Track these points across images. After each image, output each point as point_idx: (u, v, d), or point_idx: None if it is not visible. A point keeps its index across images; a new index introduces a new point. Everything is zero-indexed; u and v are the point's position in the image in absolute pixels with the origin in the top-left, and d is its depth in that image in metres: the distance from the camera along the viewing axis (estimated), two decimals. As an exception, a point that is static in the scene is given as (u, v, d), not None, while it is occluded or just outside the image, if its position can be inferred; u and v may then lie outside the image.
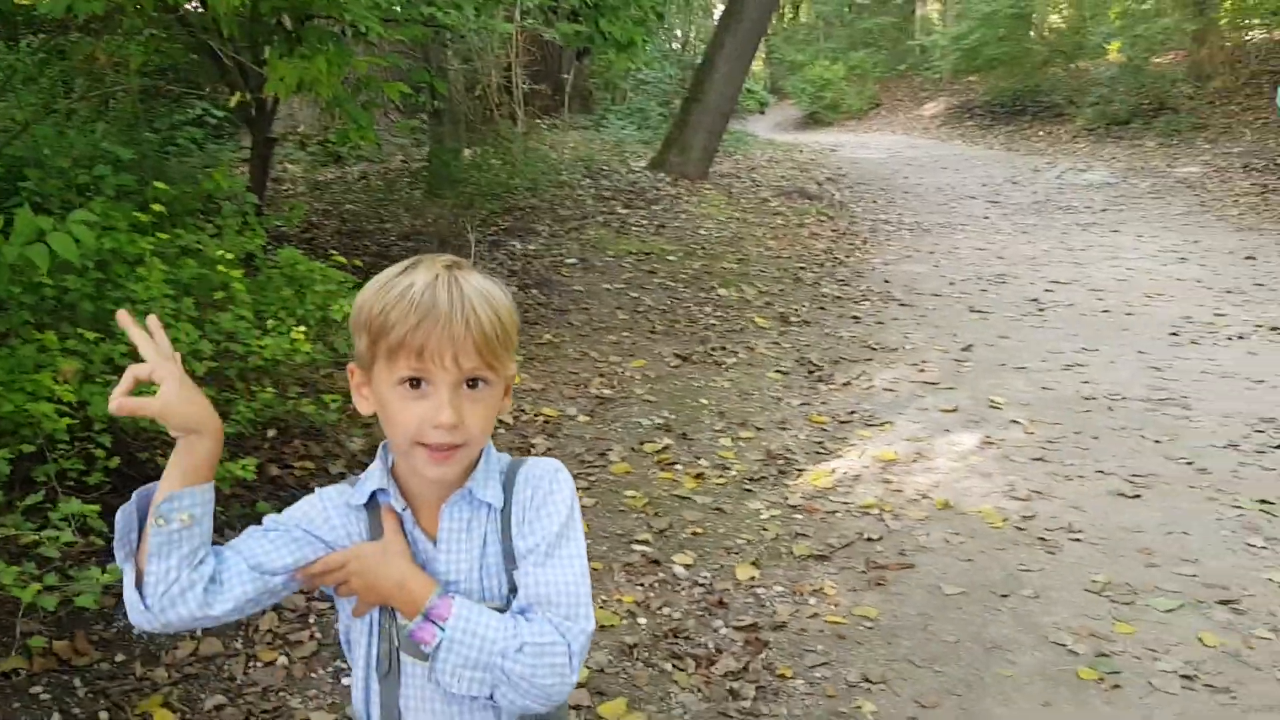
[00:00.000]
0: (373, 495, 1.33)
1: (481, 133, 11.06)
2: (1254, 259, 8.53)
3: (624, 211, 9.69)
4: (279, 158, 9.27)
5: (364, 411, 1.31)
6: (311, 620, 3.26)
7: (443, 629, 1.23)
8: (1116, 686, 3.01)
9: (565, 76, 13.32)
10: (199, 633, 3.10)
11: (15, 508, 2.42)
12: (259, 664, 3.03)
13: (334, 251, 4.34)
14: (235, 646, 3.10)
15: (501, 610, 1.28)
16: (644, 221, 9.42)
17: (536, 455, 4.57)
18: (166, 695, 2.83)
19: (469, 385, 1.23)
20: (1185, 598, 3.46)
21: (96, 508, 2.39)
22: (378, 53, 5.26)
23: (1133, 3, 17.94)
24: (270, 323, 3.40)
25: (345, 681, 3.01)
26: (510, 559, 1.30)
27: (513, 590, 1.30)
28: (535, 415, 4.97)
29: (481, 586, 1.31)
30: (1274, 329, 6.52)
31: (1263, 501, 4.13)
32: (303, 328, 3.40)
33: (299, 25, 3.88)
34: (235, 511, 3.58)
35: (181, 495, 1.20)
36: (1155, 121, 15.52)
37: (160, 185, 3.70)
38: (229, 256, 3.40)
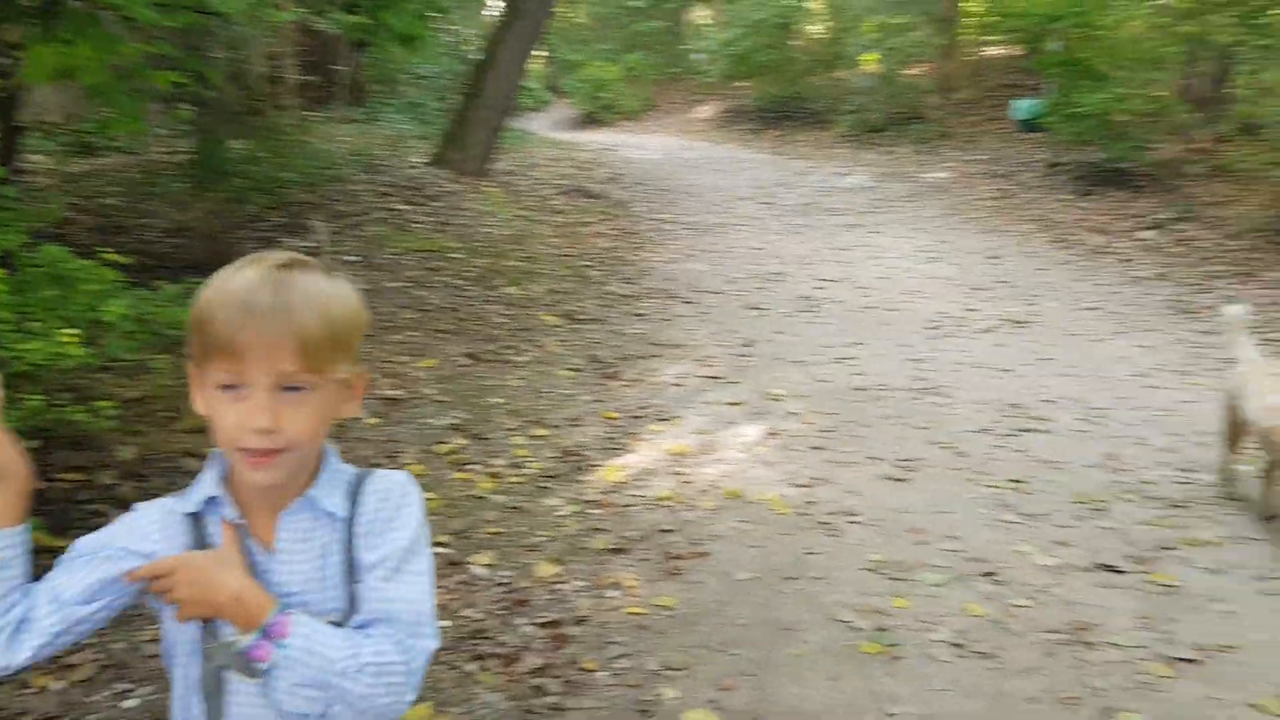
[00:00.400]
0: (206, 503, 1.28)
1: (251, 124, 10.54)
2: (997, 258, 9.31)
3: (404, 208, 9.48)
4: (23, 148, 8.50)
5: (200, 412, 1.26)
6: (90, 639, 3.03)
7: (282, 646, 1.18)
8: (896, 658, 3.22)
9: (339, 68, 12.88)
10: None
11: None
12: (29, 691, 2.80)
13: (98, 249, 4.03)
14: None
15: (339, 624, 1.24)
16: (426, 218, 9.25)
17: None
18: (-82, 736, 2.57)
19: (290, 389, 1.18)
20: (952, 572, 3.75)
21: None
22: (145, 39, 4.92)
23: (886, 17, 19.12)
24: (36, 325, 3.13)
25: (126, 705, 2.82)
26: (353, 572, 1.26)
27: (352, 604, 1.26)
28: (322, 419, 4.80)
29: (320, 598, 1.26)
30: (1016, 322, 7.15)
31: (1014, 480, 4.53)
32: (74, 330, 3.15)
33: (53, 6, 3.58)
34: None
35: None
36: (908, 129, 16.61)
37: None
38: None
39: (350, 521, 1.27)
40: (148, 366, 4.46)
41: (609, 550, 3.89)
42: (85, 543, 1.27)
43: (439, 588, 3.51)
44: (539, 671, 3.11)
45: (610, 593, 3.61)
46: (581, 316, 7.08)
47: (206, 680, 1.26)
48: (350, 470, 1.32)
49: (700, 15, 28.54)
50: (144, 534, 1.27)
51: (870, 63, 18.65)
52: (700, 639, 3.34)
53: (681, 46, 26.19)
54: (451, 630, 3.28)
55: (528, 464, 4.60)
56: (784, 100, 19.90)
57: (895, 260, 9.27)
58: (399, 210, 9.36)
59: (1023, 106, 14.86)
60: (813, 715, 2.95)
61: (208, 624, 1.25)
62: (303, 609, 1.23)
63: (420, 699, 2.91)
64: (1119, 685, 3.08)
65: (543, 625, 3.35)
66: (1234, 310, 4.75)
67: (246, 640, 1.20)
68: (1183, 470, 4.67)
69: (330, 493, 1.27)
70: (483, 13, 20.77)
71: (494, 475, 4.46)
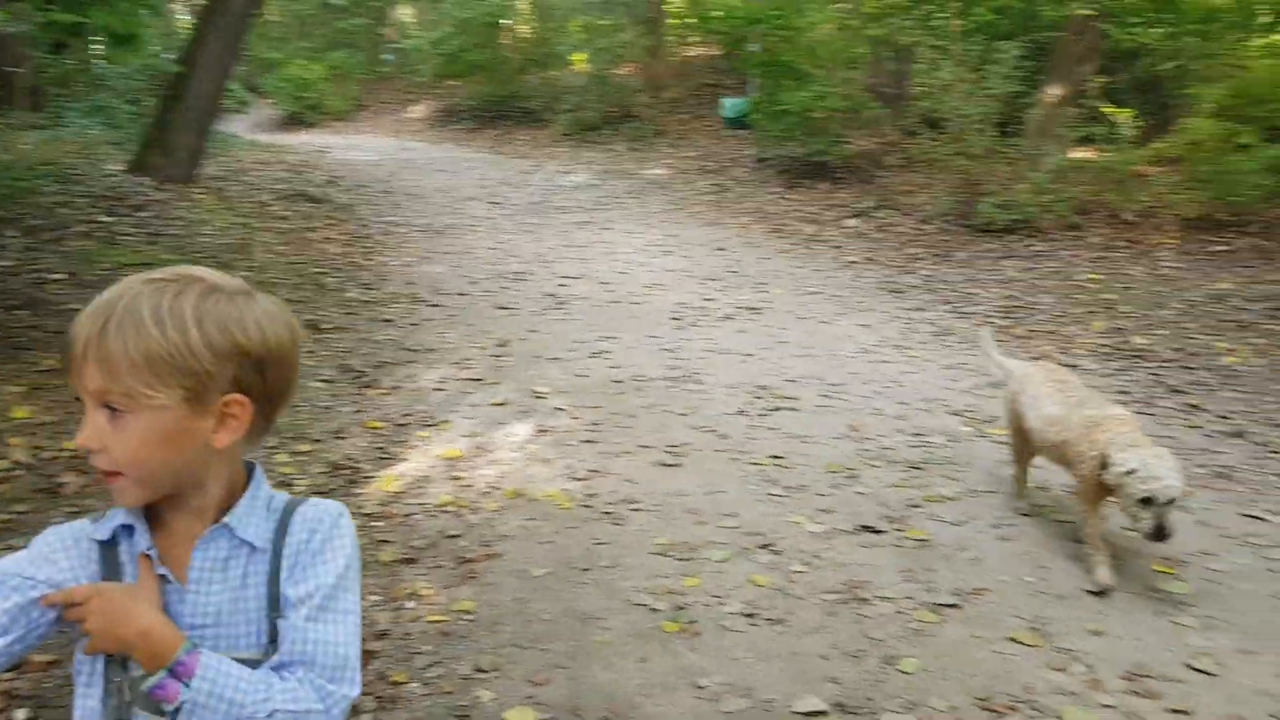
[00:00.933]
0: (120, 529, 1.20)
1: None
2: (724, 249, 9.81)
3: (108, 219, 8.73)
4: None
5: None
6: None
7: (188, 687, 1.11)
8: (696, 633, 3.38)
9: (13, 70, 11.65)
10: None
11: None
12: None
13: None
14: None
15: (257, 661, 1.18)
16: (133, 230, 8.56)
17: (71, 493, 4.05)
18: None
19: (111, 409, 1.13)
20: (734, 547, 3.96)
21: None
22: None
23: (592, 18, 19.58)
24: None
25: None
26: (275, 605, 1.20)
27: (272, 640, 1.20)
28: (60, 451, 4.37)
29: (234, 633, 1.20)
30: (751, 309, 7.58)
31: (774, 457, 4.82)
32: None
33: None
34: None
35: None
36: (623, 127, 17.11)
37: None
38: None
39: (275, 553, 1.22)
40: None
41: (398, 561, 3.81)
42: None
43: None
44: (349, 692, 3.00)
45: (408, 604, 3.54)
46: (325, 325, 6.82)
47: (109, 715, 1.17)
48: (281, 498, 1.27)
49: (405, 13, 28.01)
50: (52, 561, 1.18)
51: (581, 62, 19.05)
52: (507, 638, 3.35)
53: (387, 44, 25.60)
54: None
55: (296, 481, 4.40)
56: (499, 99, 19.94)
57: (630, 255, 9.55)
58: (102, 222, 8.61)
59: (729, 105, 15.69)
60: (628, 697, 3.04)
61: (110, 659, 1.17)
62: (216, 644, 1.17)
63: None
64: (895, 635, 3.38)
65: (344, 645, 3.24)
66: (984, 332, 4.94)
67: (152, 679, 1.13)
68: (916, 435, 5.15)
69: (249, 521, 1.21)
70: (169, 6, 19.40)
71: (262, 496, 4.24)
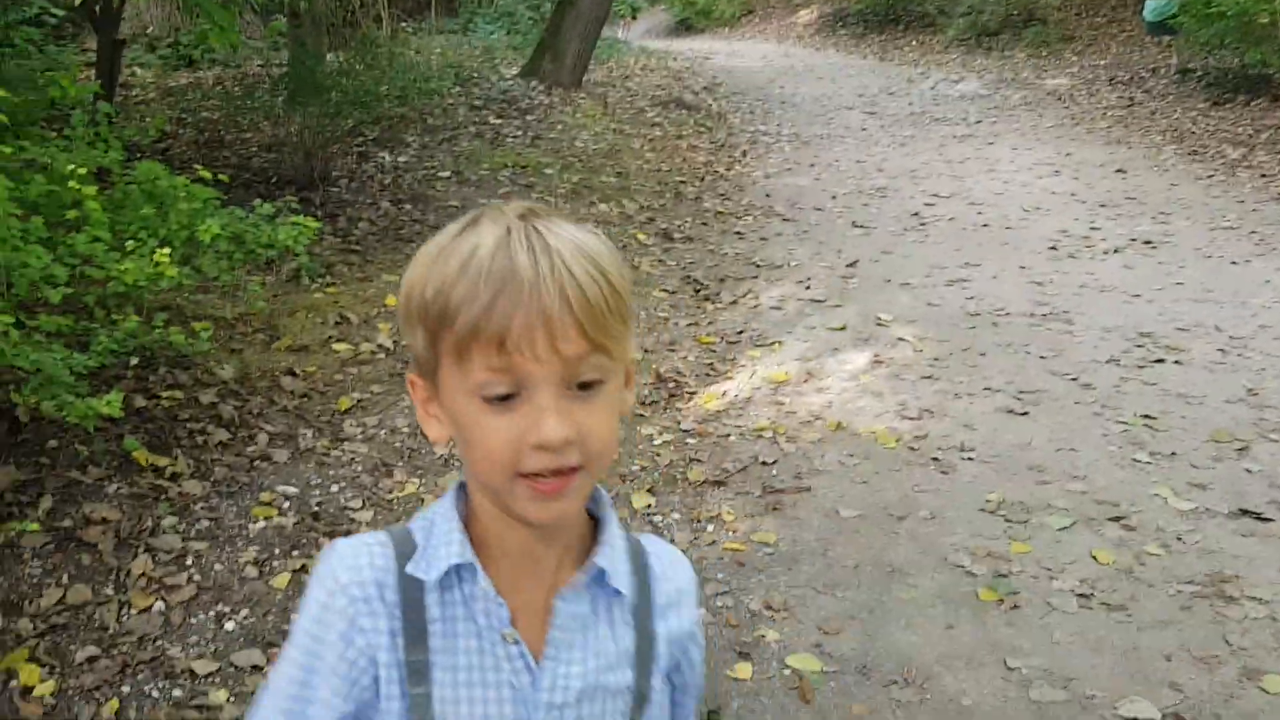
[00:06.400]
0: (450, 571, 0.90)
1: (344, 36, 10.42)
2: (1124, 172, 8.71)
3: (497, 122, 9.29)
4: (126, 61, 8.53)
5: (433, 437, 0.93)
6: (189, 562, 3.02)
7: None
8: (1016, 607, 3.01)
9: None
10: (65, 578, 2.84)
11: None
12: (133, 611, 2.80)
13: (197, 165, 3.96)
14: (106, 593, 2.84)
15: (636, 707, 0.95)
16: (518, 133, 9.05)
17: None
18: (33, 648, 2.59)
19: (581, 386, 0.85)
20: (1077, 515, 3.48)
21: None
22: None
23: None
24: (130, 244, 3.06)
25: (229, 627, 2.79)
26: (645, 674, 0.95)
27: (641, 691, 0.96)
28: (413, 340, 4.70)
29: (597, 712, 0.94)
30: (1147, 243, 6.66)
31: (1146, 416, 4.19)
32: (166, 249, 3.07)
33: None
34: (99, 447, 3.28)
35: None
36: (1024, 33, 15.70)
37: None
38: (81, 171, 3.02)
39: (639, 602, 0.96)
40: (245, 286, 4.42)
41: (707, 482, 3.72)
42: (289, 670, 0.90)
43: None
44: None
45: (708, 526, 3.45)
46: (676, 235, 6.83)
47: None
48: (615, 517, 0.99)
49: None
50: (354, 624, 0.88)
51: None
52: (803, 579, 3.17)
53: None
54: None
55: (622, 390, 4.43)
56: (890, 3, 18.99)
57: (1011, 173, 8.75)
58: (491, 124, 9.18)
59: (1151, 6, 13.87)
60: (926, 665, 2.77)
61: None
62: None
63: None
64: (1264, 645, 2.82)
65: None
66: None
67: None
68: (1336, 406, 4.27)
69: (617, 562, 0.94)
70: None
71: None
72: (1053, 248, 6.60)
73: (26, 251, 2.83)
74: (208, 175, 3.55)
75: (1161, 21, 13.23)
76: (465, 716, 0.88)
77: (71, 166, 3.19)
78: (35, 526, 2.93)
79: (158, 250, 3.16)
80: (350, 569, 0.89)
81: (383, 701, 0.88)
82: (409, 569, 0.89)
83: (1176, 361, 4.75)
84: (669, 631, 0.97)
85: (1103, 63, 13.70)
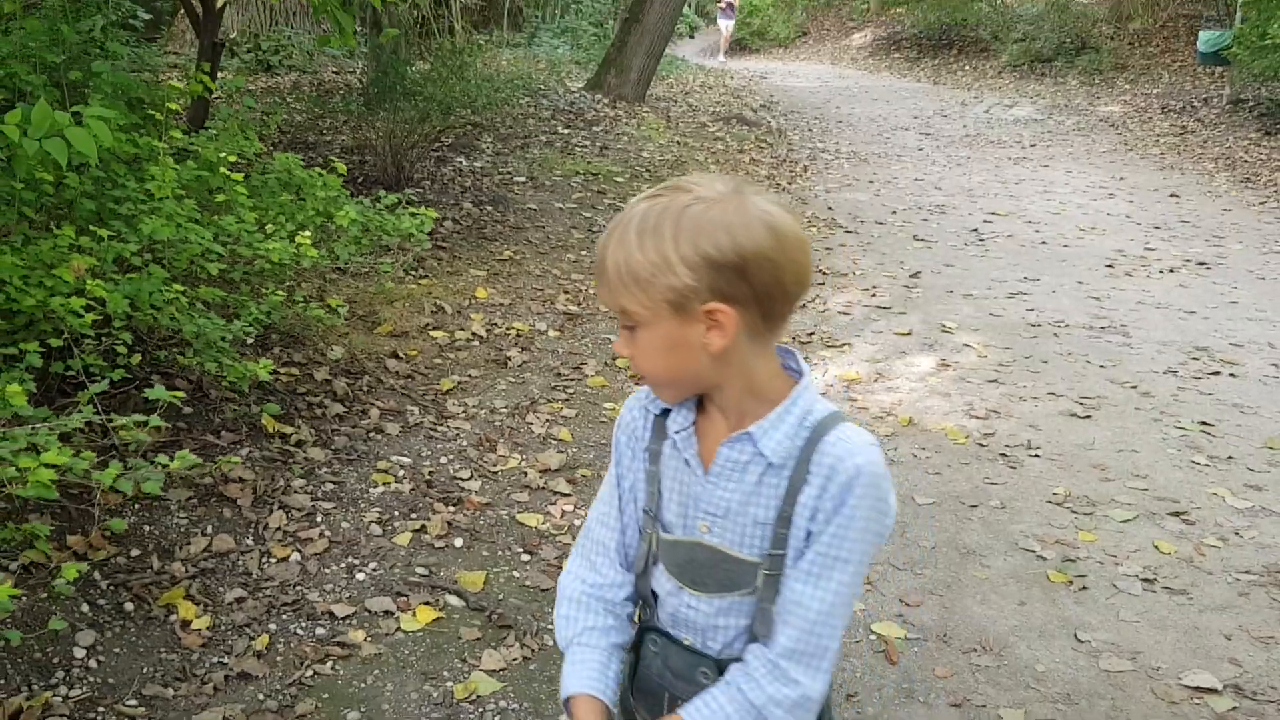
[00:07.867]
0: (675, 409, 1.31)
1: (418, 46, 10.80)
2: (1177, 197, 8.89)
3: (565, 132, 9.62)
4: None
5: None
6: (319, 519, 3.29)
7: None
8: (1084, 588, 3.23)
9: (500, -9, 13.03)
10: (209, 529, 3.12)
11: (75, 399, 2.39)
12: (273, 560, 3.07)
13: (334, 159, 4.28)
14: (247, 543, 3.11)
15: (755, 566, 1.25)
16: (586, 143, 9.37)
17: (515, 366, 4.61)
18: (187, 588, 2.85)
19: (626, 327, 1.20)
20: (1139, 509, 3.70)
21: (181, 394, 2.40)
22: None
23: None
24: (270, 228, 3.36)
25: (360, 577, 3.06)
26: (785, 522, 1.22)
27: (772, 552, 1.24)
28: (508, 329, 4.99)
29: (740, 533, 1.25)
30: (1201, 264, 6.85)
31: (1203, 423, 4.40)
32: (306, 232, 3.37)
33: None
34: (233, 412, 3.57)
35: None
36: (1078, 60, 15.87)
37: (141, 85, 3.59)
38: (231, 159, 3.33)
39: (796, 471, 1.21)
40: (357, 270, 4.71)
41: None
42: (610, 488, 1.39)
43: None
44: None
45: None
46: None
47: None
48: (821, 413, 1.22)
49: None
50: (635, 432, 1.36)
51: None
52: (884, 556, 3.40)
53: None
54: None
55: (703, 383, 4.69)
56: (944, 28, 19.21)
57: (1067, 195, 8.95)
58: (560, 134, 9.50)
59: (1206, 37, 14.01)
60: (1001, 635, 2.99)
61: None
62: (723, 536, 1.26)
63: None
64: (1319, 630, 3.02)
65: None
66: None
67: None
68: (1387, 422, 4.46)
69: (772, 435, 1.22)
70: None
71: (672, 391, 4.57)
72: (1109, 266, 6.81)
73: (189, 229, 3.14)
74: (342, 169, 3.85)
75: (1215, 52, 13.38)
76: (668, 491, 1.32)
77: (222, 154, 3.50)
78: (237, 460, 3.24)
79: (299, 234, 3.47)
80: (626, 414, 1.37)
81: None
82: (645, 404, 1.35)
83: (1231, 374, 4.96)
84: (809, 501, 1.22)
85: (1155, 91, 13.84)
